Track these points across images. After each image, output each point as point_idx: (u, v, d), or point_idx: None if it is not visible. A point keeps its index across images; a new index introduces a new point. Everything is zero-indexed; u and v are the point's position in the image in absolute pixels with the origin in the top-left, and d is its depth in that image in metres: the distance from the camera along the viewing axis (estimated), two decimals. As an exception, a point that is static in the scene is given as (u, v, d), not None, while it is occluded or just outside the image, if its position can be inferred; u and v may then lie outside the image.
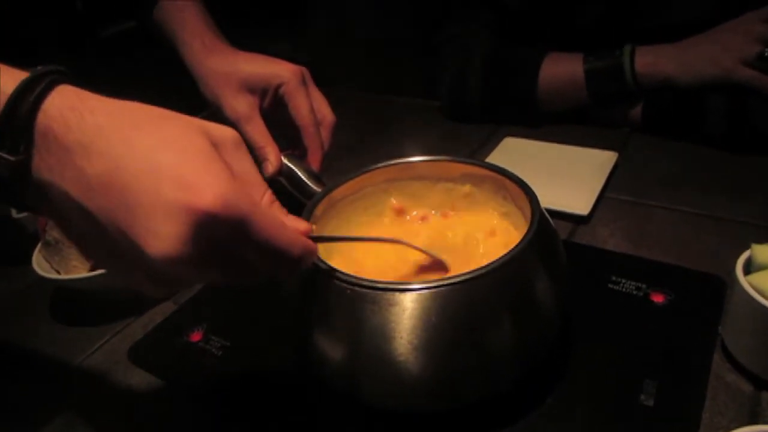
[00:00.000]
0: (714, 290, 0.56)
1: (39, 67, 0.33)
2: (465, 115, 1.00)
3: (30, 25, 0.88)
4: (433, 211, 0.60)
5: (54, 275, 0.64)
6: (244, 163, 0.35)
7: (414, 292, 0.42)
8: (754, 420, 0.45)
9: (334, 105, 0.70)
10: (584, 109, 0.92)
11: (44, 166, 0.32)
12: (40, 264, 0.65)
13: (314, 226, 0.51)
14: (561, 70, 0.88)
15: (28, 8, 0.85)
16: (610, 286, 0.59)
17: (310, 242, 0.36)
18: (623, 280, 0.59)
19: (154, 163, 0.30)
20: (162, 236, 0.29)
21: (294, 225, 0.36)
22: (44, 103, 0.31)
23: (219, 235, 0.31)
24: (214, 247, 0.31)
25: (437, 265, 0.53)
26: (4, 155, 0.31)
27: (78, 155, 0.31)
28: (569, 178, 0.78)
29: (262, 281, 0.36)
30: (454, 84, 0.98)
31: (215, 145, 0.33)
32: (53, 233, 0.64)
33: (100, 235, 0.32)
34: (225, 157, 0.34)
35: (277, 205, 0.37)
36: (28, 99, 0.31)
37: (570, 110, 0.92)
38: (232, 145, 0.35)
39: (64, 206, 0.32)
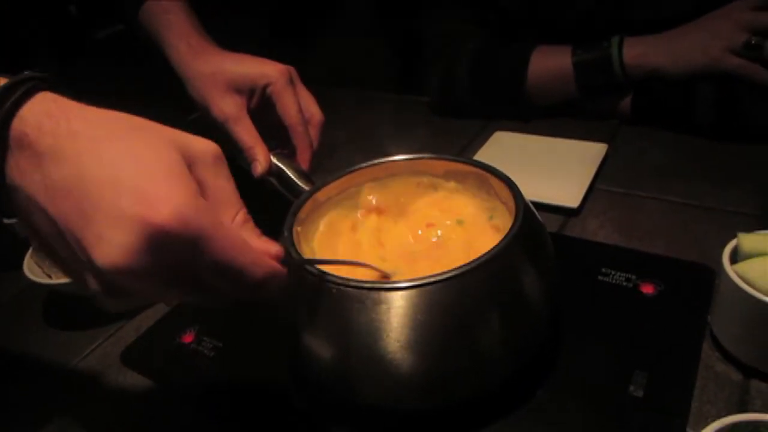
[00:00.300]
0: (703, 280, 0.56)
1: (25, 73, 0.33)
2: (454, 111, 1.00)
3: (24, 28, 0.88)
4: (416, 209, 0.59)
5: (46, 280, 0.64)
6: (220, 180, 0.35)
7: (400, 291, 0.42)
8: (743, 408, 0.46)
9: (322, 103, 0.70)
10: (574, 102, 0.91)
11: (16, 171, 0.32)
12: (31, 269, 0.65)
13: (285, 246, 0.49)
14: (550, 64, 0.88)
15: (22, 11, 0.85)
16: (600, 278, 0.59)
17: (277, 266, 0.35)
18: (613, 272, 0.59)
19: (116, 173, 0.30)
20: (111, 244, 0.29)
21: (263, 247, 0.35)
22: (21, 110, 0.32)
23: (171, 251, 0.30)
24: (166, 263, 0.31)
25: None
26: None
27: (47, 160, 0.31)
28: (559, 170, 0.78)
29: (225, 304, 0.35)
30: (443, 80, 0.98)
31: (190, 160, 0.33)
32: (43, 238, 0.64)
33: (60, 241, 0.32)
34: (199, 172, 0.33)
35: (249, 225, 0.36)
36: (4, 105, 0.31)
37: (559, 104, 0.92)
38: (211, 160, 0.35)
39: (30, 211, 0.32)
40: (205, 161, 0.34)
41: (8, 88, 0.32)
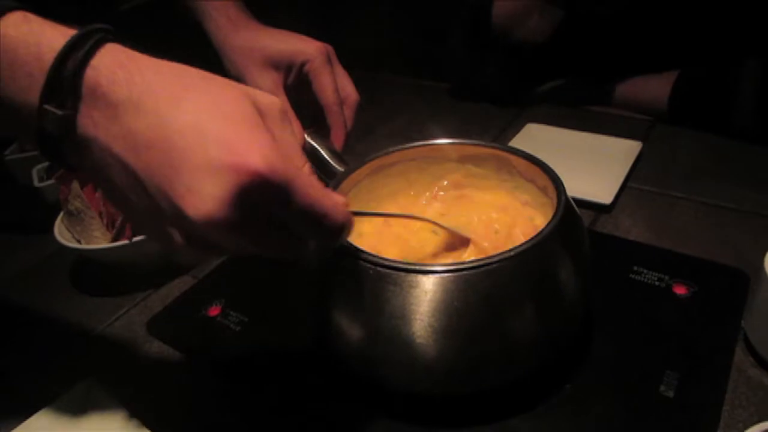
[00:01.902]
0: (737, 284, 0.56)
1: (93, 25, 0.33)
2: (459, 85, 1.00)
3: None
4: (450, 191, 0.59)
5: (75, 245, 0.64)
6: (286, 133, 0.35)
7: (436, 275, 0.41)
8: (775, 415, 0.45)
9: (359, 86, 0.70)
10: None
11: (90, 122, 0.32)
12: (61, 233, 0.65)
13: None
14: None
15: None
16: (632, 276, 0.58)
17: (349, 212, 0.35)
18: (645, 271, 0.59)
19: (201, 124, 0.30)
20: (204, 196, 0.29)
21: (339, 198, 0.35)
22: (93, 60, 0.31)
23: (263, 199, 0.30)
24: (257, 211, 0.31)
25: (460, 244, 0.52)
26: (52, 109, 0.31)
27: (124, 111, 0.31)
28: (592, 166, 0.78)
29: (299, 254, 0.35)
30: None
31: (261, 113, 0.33)
32: (75, 203, 0.64)
33: (140, 193, 0.32)
34: (268, 125, 0.33)
35: (315, 176, 0.37)
36: (77, 55, 0.31)
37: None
38: (278, 115, 0.35)
39: (106, 163, 0.32)
40: (273, 115, 0.34)
41: (80, 38, 0.31)
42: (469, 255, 0.52)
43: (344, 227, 0.34)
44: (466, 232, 0.52)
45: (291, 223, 0.33)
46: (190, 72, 0.33)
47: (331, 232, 0.34)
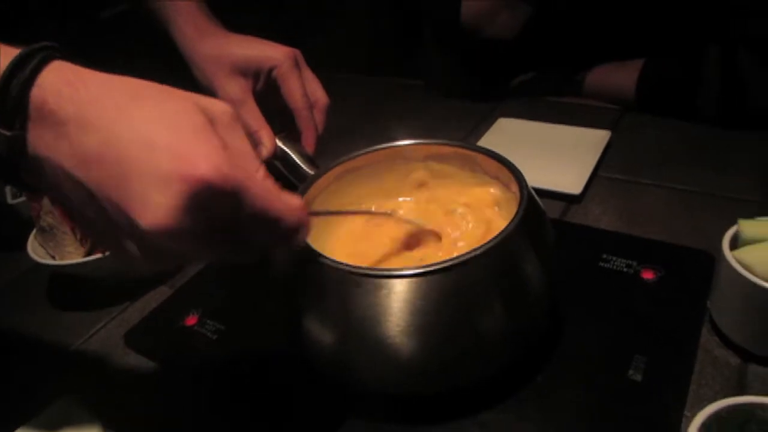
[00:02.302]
0: (703, 266, 0.57)
1: (37, 44, 0.33)
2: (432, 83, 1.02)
3: (27, 6, 0.87)
4: (417, 191, 0.60)
5: (49, 261, 0.64)
6: (238, 138, 0.35)
7: (401, 278, 0.42)
8: (741, 392, 0.46)
9: (328, 87, 0.70)
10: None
11: (40, 141, 0.32)
12: (35, 250, 0.65)
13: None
14: None
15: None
16: (601, 264, 0.59)
17: (304, 214, 0.36)
18: (614, 258, 0.60)
19: (149, 135, 0.30)
20: (155, 206, 0.29)
21: (294, 200, 0.36)
22: (38, 78, 0.31)
23: (214, 205, 0.31)
24: (209, 218, 0.31)
25: (429, 239, 0.53)
26: (0, 131, 0.31)
27: (72, 127, 0.31)
28: (562, 157, 0.79)
29: (256, 257, 0.36)
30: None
31: (211, 120, 0.33)
32: (48, 219, 0.64)
33: (94, 208, 0.32)
34: (220, 131, 0.34)
35: (271, 180, 0.37)
36: (22, 74, 0.31)
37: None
38: (229, 121, 0.35)
39: (59, 180, 0.32)
40: (223, 121, 0.34)
41: (24, 57, 0.32)
42: (442, 247, 0.53)
43: (299, 229, 0.35)
44: (432, 226, 0.53)
45: (244, 228, 0.33)
46: (135, 83, 0.33)
47: (286, 234, 0.34)
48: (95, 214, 0.32)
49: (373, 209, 0.57)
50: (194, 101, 0.33)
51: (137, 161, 0.30)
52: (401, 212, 0.58)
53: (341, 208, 0.57)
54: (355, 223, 0.57)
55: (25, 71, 0.31)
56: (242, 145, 0.35)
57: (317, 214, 0.52)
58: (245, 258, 0.36)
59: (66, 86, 0.31)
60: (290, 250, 0.37)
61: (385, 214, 0.54)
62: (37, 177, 0.33)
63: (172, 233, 0.30)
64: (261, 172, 0.36)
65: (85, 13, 1.06)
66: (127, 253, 0.33)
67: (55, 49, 0.33)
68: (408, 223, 0.55)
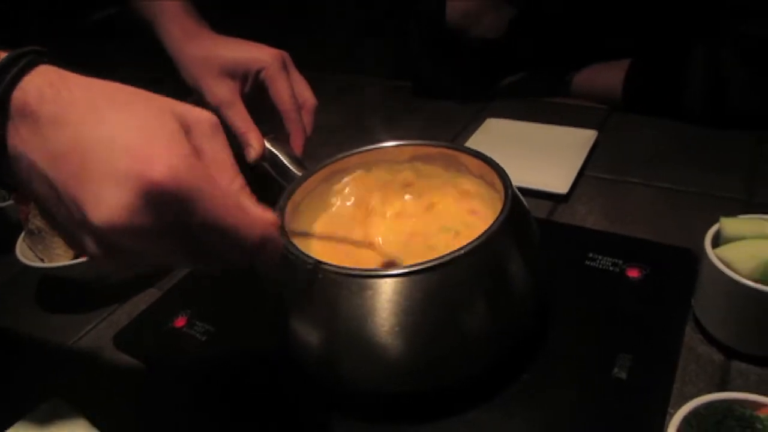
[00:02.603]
0: (687, 264, 0.57)
1: (21, 49, 0.33)
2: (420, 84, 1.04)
3: (16, 8, 0.87)
4: (402, 192, 0.60)
5: (38, 263, 0.64)
6: (217, 147, 0.35)
7: (387, 279, 0.42)
8: (723, 388, 0.47)
9: (315, 89, 0.71)
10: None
11: (18, 139, 0.32)
12: (24, 253, 0.65)
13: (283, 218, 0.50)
14: None
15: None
16: (587, 262, 0.60)
17: (272, 230, 0.35)
18: (600, 257, 0.60)
19: (114, 134, 0.31)
20: (107, 203, 0.30)
21: (260, 212, 0.35)
22: (22, 81, 0.32)
23: (167, 208, 0.31)
24: (162, 220, 0.31)
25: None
26: None
27: (47, 125, 0.31)
28: (549, 157, 0.79)
29: (218, 267, 0.36)
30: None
31: (187, 127, 0.33)
32: (36, 222, 0.64)
33: (58, 204, 0.33)
34: (196, 140, 0.34)
35: (246, 192, 0.36)
36: (6, 77, 0.32)
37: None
38: (207, 129, 0.35)
39: (31, 177, 0.33)
40: (202, 129, 0.35)
41: (10, 60, 0.32)
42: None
43: (263, 245, 0.34)
44: (402, 256, 0.53)
45: (198, 236, 0.33)
46: (119, 89, 0.34)
47: (245, 249, 0.34)
48: (59, 210, 0.33)
49: (354, 237, 0.57)
50: (171, 108, 0.34)
51: (98, 159, 0.30)
52: (380, 240, 0.58)
53: (326, 212, 0.58)
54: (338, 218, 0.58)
55: (9, 74, 0.32)
56: (220, 154, 0.35)
57: (292, 234, 0.50)
58: (209, 268, 0.36)
59: (49, 88, 0.32)
60: (265, 264, 0.36)
61: (365, 244, 0.54)
62: (13, 176, 0.34)
63: (121, 231, 0.30)
64: (236, 183, 0.36)
65: (74, 16, 1.06)
66: (87, 250, 0.34)
67: (42, 53, 0.34)
68: (387, 256, 0.54)
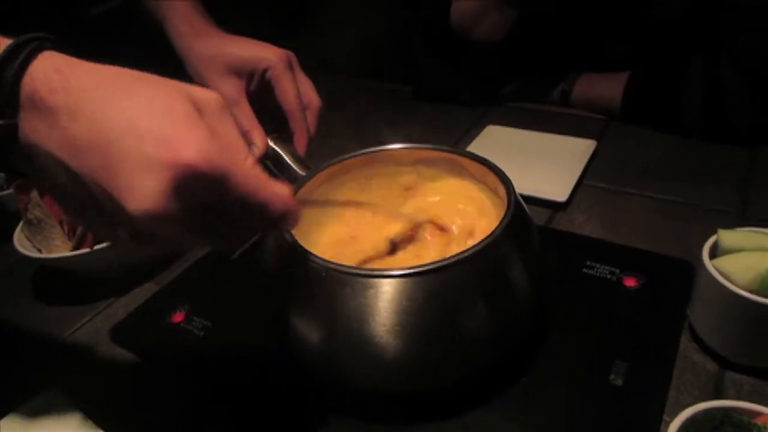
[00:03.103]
0: (683, 274, 0.58)
1: (28, 34, 0.33)
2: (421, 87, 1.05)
3: (15, 2, 0.87)
4: (404, 195, 0.61)
5: (36, 254, 0.64)
6: (227, 126, 0.36)
7: (389, 279, 0.42)
8: (718, 397, 0.47)
9: (320, 90, 0.71)
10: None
11: (30, 129, 0.32)
12: (22, 243, 0.65)
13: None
14: None
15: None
16: (585, 270, 0.61)
17: (293, 200, 0.36)
18: (597, 265, 0.61)
19: (136, 122, 0.31)
20: (143, 191, 0.30)
21: (281, 188, 0.36)
22: (30, 67, 0.32)
23: (201, 190, 0.31)
24: (196, 203, 0.32)
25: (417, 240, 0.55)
26: None
27: (63, 116, 0.31)
28: (549, 165, 0.80)
29: (244, 243, 0.36)
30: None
31: (198, 108, 0.34)
32: (35, 212, 0.64)
33: (84, 194, 0.33)
34: (208, 119, 0.34)
35: (260, 168, 0.37)
36: (13, 64, 0.32)
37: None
38: (216, 108, 0.35)
39: (50, 168, 0.33)
40: (211, 109, 0.35)
41: (16, 47, 0.32)
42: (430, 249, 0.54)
43: (286, 216, 0.36)
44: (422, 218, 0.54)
45: (232, 213, 0.34)
46: (125, 73, 0.34)
47: (273, 220, 0.35)
48: (85, 201, 0.33)
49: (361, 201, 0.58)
50: (183, 90, 0.34)
51: (124, 147, 0.30)
52: (386, 217, 0.59)
53: (328, 212, 0.58)
54: (342, 225, 0.58)
55: (17, 61, 0.32)
56: (231, 133, 0.36)
57: (307, 203, 0.52)
58: (233, 245, 0.37)
59: (56, 74, 0.32)
60: (279, 237, 0.37)
61: (374, 205, 0.55)
62: (28, 165, 0.34)
63: (159, 217, 0.31)
64: (249, 161, 0.36)
65: (74, 10, 1.05)
66: (118, 239, 0.34)
67: (47, 39, 0.34)
68: (398, 216, 0.55)
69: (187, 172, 0.30)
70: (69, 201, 0.35)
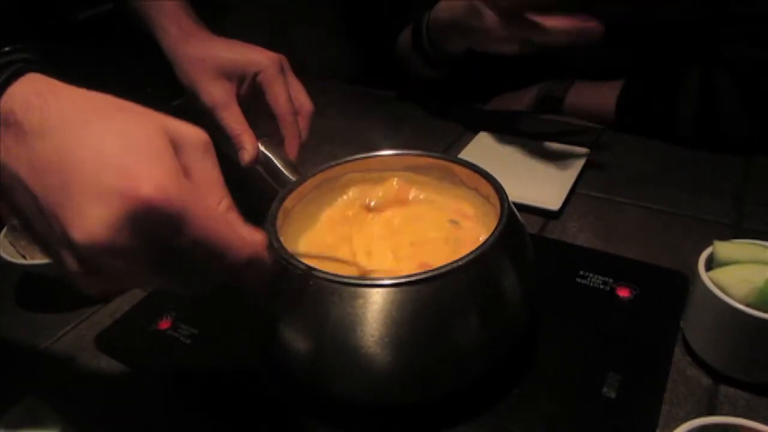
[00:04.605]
0: (677, 285, 0.58)
1: (8, 49, 0.32)
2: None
3: (2, 8, 0.86)
4: (394, 202, 0.60)
5: (20, 260, 0.63)
6: (207, 166, 0.35)
7: (378, 288, 0.42)
8: (711, 412, 0.47)
9: (313, 95, 0.70)
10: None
11: (2, 148, 0.31)
12: (5, 249, 0.63)
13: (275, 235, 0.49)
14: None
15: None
16: (578, 280, 0.60)
17: (260, 250, 0.35)
18: (590, 275, 0.60)
19: (102, 150, 0.30)
20: (90, 219, 0.29)
21: (247, 233, 0.35)
22: (10, 88, 0.31)
23: (152, 227, 0.30)
24: (146, 239, 0.30)
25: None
26: None
27: (33, 136, 0.31)
28: (541, 173, 0.79)
29: (204, 289, 0.35)
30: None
31: (177, 145, 0.33)
32: (20, 217, 0.63)
33: (38, 217, 0.32)
34: (186, 158, 0.33)
35: (233, 213, 0.36)
36: None
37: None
38: (197, 147, 0.34)
39: (13, 187, 0.32)
40: (193, 147, 0.34)
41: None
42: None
43: (250, 263, 0.34)
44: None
45: (186, 255, 0.32)
46: (107, 101, 0.33)
47: (231, 268, 0.33)
48: (39, 222, 0.32)
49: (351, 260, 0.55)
50: (162, 124, 0.33)
51: (82, 172, 0.29)
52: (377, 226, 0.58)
53: (317, 219, 0.57)
54: (330, 232, 0.57)
55: None
56: (210, 173, 0.35)
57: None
58: (193, 289, 0.35)
59: (36, 97, 0.31)
60: (252, 282, 0.36)
61: (345, 261, 0.52)
62: None
63: (103, 249, 0.29)
64: (224, 204, 0.35)
65: (61, 15, 1.04)
66: (65, 265, 0.33)
67: (32, 61, 0.33)
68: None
69: (141, 206, 0.29)
70: (25, 223, 0.33)
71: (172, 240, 0.31)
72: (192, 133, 0.35)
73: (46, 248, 0.35)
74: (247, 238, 0.34)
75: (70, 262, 0.32)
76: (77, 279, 0.33)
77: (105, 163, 0.30)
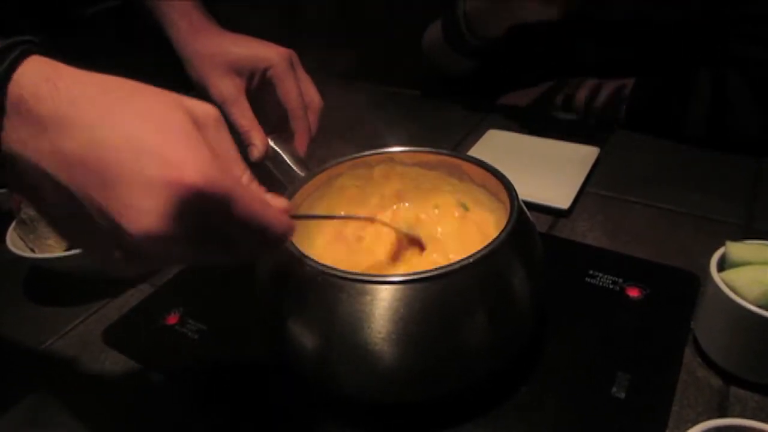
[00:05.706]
0: (688, 286, 0.57)
1: (14, 37, 0.32)
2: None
3: (8, 1, 0.86)
4: (403, 198, 0.60)
5: (29, 254, 0.63)
6: (224, 143, 0.35)
7: (386, 285, 0.41)
8: (722, 414, 0.46)
9: (323, 91, 0.70)
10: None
11: (16, 138, 0.31)
12: (14, 242, 0.64)
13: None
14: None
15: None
16: (588, 279, 0.60)
17: (290, 220, 0.35)
18: (600, 274, 0.60)
19: (134, 138, 0.30)
20: (143, 212, 0.29)
21: (274, 203, 0.35)
22: (16, 73, 0.31)
23: (202, 212, 0.30)
24: (197, 224, 0.30)
25: (414, 246, 0.53)
26: None
27: (52, 128, 0.30)
28: (551, 171, 0.79)
29: (241, 260, 0.35)
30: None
31: (195, 122, 0.32)
32: (28, 211, 0.63)
33: (74, 210, 0.31)
34: (205, 135, 0.33)
35: (256, 184, 0.36)
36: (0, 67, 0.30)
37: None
38: (213, 124, 0.34)
39: (36, 180, 0.31)
40: (208, 124, 0.34)
41: (2, 50, 0.31)
42: (425, 257, 0.53)
43: (286, 235, 0.34)
44: (417, 233, 0.53)
45: (232, 234, 0.33)
46: (119, 83, 0.32)
47: (270, 242, 0.34)
48: (74, 216, 0.32)
49: (354, 215, 0.57)
50: (178, 101, 0.33)
51: (123, 165, 0.29)
52: (380, 217, 0.58)
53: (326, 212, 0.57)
54: (336, 232, 0.57)
55: (1, 66, 0.30)
56: (228, 148, 0.35)
57: (300, 217, 0.51)
58: (231, 262, 0.35)
59: (44, 83, 0.31)
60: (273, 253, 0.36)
61: (366, 218, 0.54)
62: (12, 174, 0.32)
63: (159, 239, 0.29)
64: (246, 176, 0.35)
65: (69, 10, 1.05)
66: (108, 256, 0.32)
67: (33, 43, 0.32)
68: (387, 226, 0.54)
69: (189, 193, 0.29)
70: (56, 216, 0.33)
71: (221, 221, 0.31)
72: (206, 109, 0.35)
73: (79, 239, 0.35)
74: (280, 213, 0.34)
75: (115, 252, 0.32)
76: (116, 266, 0.34)
77: (142, 152, 0.29)
